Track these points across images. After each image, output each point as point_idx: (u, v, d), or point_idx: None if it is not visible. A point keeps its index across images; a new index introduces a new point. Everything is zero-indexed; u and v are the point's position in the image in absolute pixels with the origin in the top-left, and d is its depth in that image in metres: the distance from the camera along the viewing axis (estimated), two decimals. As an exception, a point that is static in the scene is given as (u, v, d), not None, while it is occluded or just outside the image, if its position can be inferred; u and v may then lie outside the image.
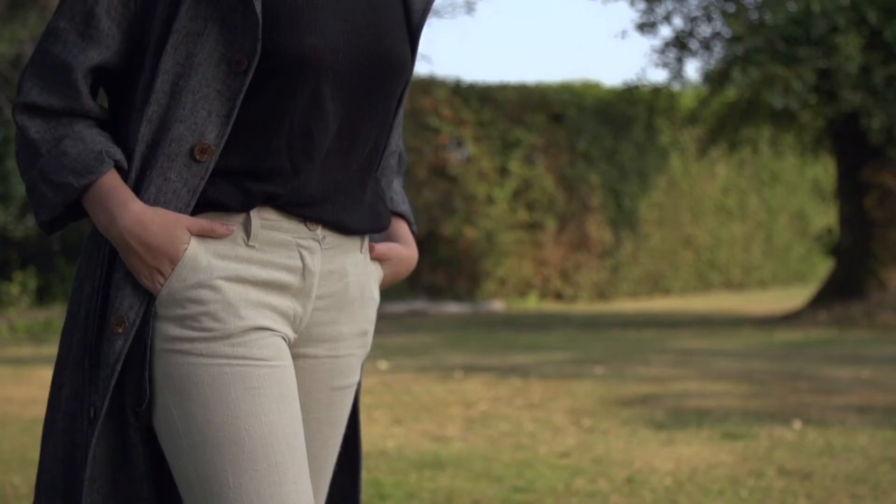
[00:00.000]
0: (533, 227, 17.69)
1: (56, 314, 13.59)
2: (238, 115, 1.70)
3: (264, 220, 1.72)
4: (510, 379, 8.15)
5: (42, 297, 15.04)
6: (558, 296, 18.14)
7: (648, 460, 5.25)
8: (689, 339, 11.54)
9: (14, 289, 13.57)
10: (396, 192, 2.02)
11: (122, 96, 1.76)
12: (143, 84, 1.71)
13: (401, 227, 2.01)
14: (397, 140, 1.99)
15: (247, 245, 1.72)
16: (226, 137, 1.68)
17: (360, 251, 1.87)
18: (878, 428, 5.98)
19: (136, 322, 1.69)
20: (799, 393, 7.30)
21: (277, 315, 1.74)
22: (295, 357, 1.80)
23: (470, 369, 8.72)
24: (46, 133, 1.69)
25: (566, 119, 17.89)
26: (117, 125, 1.76)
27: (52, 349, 10.37)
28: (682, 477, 4.89)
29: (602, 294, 18.65)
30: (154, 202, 1.69)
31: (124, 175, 1.70)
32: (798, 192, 22.91)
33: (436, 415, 6.61)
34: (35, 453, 5.38)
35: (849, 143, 13.52)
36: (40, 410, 6.67)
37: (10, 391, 7.60)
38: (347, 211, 1.80)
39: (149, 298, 1.70)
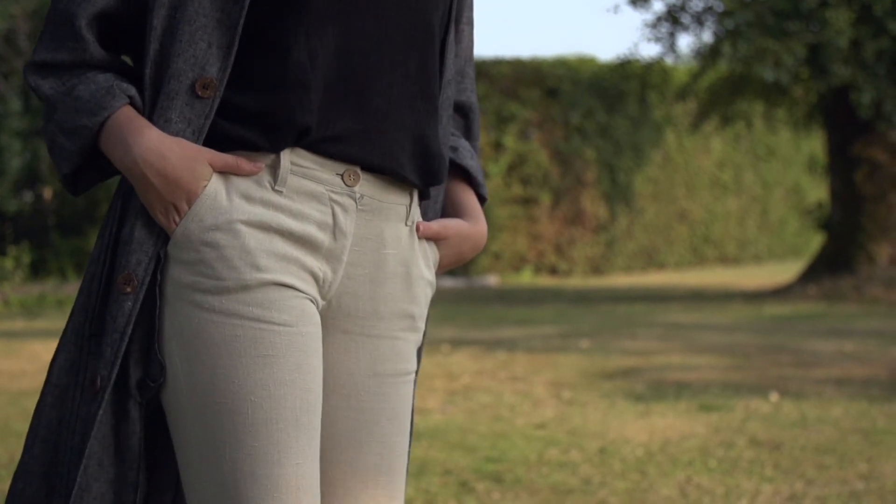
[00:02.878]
0: (527, 201, 17.73)
1: (50, 289, 13.65)
2: (245, 42, 1.55)
3: (295, 166, 1.55)
4: (496, 352, 8.21)
5: (36, 271, 15.13)
6: (553, 270, 18.20)
7: (622, 431, 5.32)
8: (679, 312, 11.60)
9: (8, 263, 13.62)
10: (463, 147, 1.78)
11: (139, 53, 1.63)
12: (148, 27, 1.57)
13: (465, 195, 1.77)
14: (460, 79, 1.78)
15: (273, 189, 1.55)
16: (229, 70, 1.53)
17: (406, 223, 1.66)
18: (854, 400, 6.04)
19: (146, 280, 1.53)
20: (780, 366, 7.36)
21: (306, 273, 1.57)
22: (326, 332, 1.63)
23: (458, 343, 8.78)
24: (59, 87, 1.58)
25: (561, 94, 17.91)
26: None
27: (44, 323, 10.45)
28: (654, 448, 4.96)
29: (596, 269, 18.72)
30: None
31: None
32: (793, 166, 22.94)
33: (418, 387, 6.67)
34: (19, 425, 5.45)
35: (839, 118, 13.55)
36: (28, 383, 6.74)
37: (-1, 364, 7.68)
38: (394, 147, 1.60)
39: (160, 252, 1.54)
